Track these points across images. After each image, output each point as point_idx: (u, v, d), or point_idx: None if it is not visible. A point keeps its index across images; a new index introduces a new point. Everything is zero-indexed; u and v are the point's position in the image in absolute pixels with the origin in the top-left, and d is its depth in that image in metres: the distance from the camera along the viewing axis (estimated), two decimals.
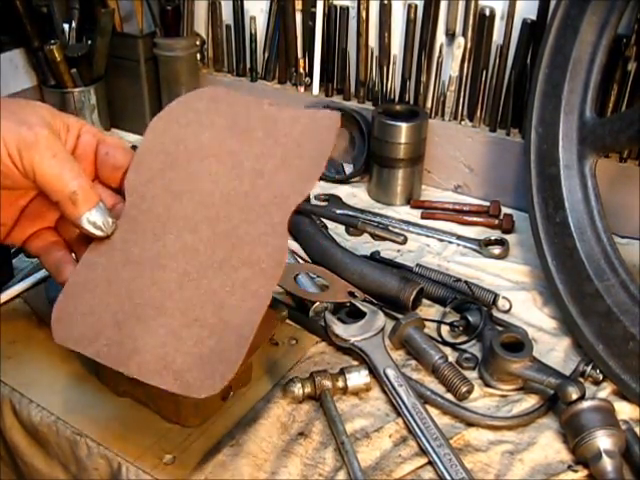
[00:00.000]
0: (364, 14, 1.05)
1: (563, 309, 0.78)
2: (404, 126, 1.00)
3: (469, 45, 1.00)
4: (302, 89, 1.16)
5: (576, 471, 0.62)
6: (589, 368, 0.72)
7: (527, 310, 0.83)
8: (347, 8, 1.07)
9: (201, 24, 1.23)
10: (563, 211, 0.80)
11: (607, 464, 0.60)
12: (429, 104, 1.07)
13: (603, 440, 0.60)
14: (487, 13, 0.97)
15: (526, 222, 0.89)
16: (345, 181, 1.12)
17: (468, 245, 0.95)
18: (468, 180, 1.07)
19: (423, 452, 0.63)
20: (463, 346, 0.76)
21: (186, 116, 0.60)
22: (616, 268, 0.74)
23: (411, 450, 0.64)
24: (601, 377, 0.72)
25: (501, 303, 0.82)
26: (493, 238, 0.95)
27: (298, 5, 1.12)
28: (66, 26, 1.13)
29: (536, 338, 0.78)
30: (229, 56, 1.23)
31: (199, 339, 0.52)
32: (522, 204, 0.99)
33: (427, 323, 0.78)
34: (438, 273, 0.86)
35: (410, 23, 1.03)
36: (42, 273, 0.82)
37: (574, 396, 0.64)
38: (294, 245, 0.91)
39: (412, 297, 0.78)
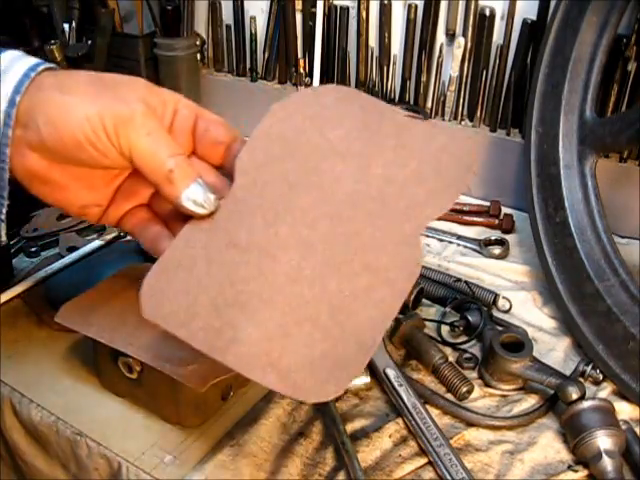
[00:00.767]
0: (364, 14, 1.05)
1: (563, 309, 0.78)
2: None
3: (469, 45, 1.00)
4: (302, 89, 1.16)
5: (576, 471, 0.62)
6: (589, 368, 0.72)
7: (527, 310, 0.83)
8: (347, 8, 1.07)
9: (201, 24, 1.22)
10: (563, 211, 0.80)
11: (607, 464, 0.60)
12: (429, 104, 1.07)
13: (603, 440, 0.60)
14: (487, 13, 0.97)
15: (526, 222, 0.89)
16: None
17: (468, 245, 0.95)
18: None
19: (423, 452, 0.63)
20: (463, 346, 0.76)
21: (312, 108, 0.57)
22: (616, 268, 0.74)
23: (411, 450, 0.64)
24: (601, 377, 0.72)
25: (501, 303, 0.82)
26: (493, 238, 0.95)
27: (298, 5, 1.12)
28: (66, 26, 1.13)
29: (536, 338, 0.78)
30: (229, 56, 1.23)
31: (310, 340, 0.49)
32: (522, 204, 0.99)
33: (427, 323, 0.78)
34: (438, 273, 0.86)
35: (410, 23, 1.03)
36: (42, 273, 0.82)
37: (574, 396, 0.64)
38: None
39: (412, 297, 0.78)
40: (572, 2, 0.81)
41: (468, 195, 1.08)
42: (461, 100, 1.04)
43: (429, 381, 0.72)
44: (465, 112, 1.05)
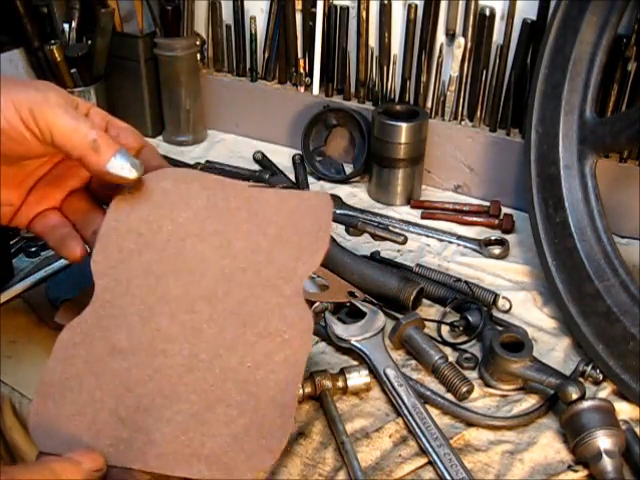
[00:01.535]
0: (364, 14, 1.05)
1: (563, 309, 0.78)
2: (404, 126, 1.00)
3: (469, 45, 1.00)
4: (302, 89, 1.16)
5: (576, 471, 0.62)
6: (589, 368, 0.72)
7: (527, 310, 0.83)
8: (347, 8, 1.07)
9: (201, 24, 1.23)
10: (563, 211, 0.80)
11: (607, 464, 0.60)
12: (429, 104, 1.07)
13: (603, 440, 0.60)
14: (487, 13, 0.97)
15: (526, 222, 0.89)
16: (345, 181, 1.12)
17: (468, 245, 0.95)
18: (468, 180, 1.07)
19: (423, 452, 0.63)
20: (463, 346, 0.76)
21: (154, 196, 0.57)
22: (616, 268, 0.74)
23: (411, 450, 0.64)
24: (601, 377, 0.72)
25: (501, 303, 0.82)
26: (493, 238, 0.95)
27: (298, 5, 1.12)
28: (66, 26, 1.13)
29: (536, 338, 0.78)
30: (229, 56, 1.23)
31: (228, 419, 0.49)
32: (522, 204, 0.99)
33: (427, 323, 0.78)
34: (438, 273, 0.86)
35: (410, 23, 1.03)
36: (42, 273, 0.82)
37: (574, 396, 0.64)
38: None
39: (412, 297, 0.78)
40: (572, 2, 0.81)
41: (468, 195, 1.08)
42: (461, 100, 1.04)
43: (429, 381, 0.72)
44: (465, 112, 1.05)
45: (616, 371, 0.70)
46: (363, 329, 0.73)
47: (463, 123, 1.05)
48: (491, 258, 0.92)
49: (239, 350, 0.52)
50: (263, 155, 1.16)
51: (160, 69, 1.19)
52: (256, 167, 1.16)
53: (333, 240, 0.89)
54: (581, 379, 0.71)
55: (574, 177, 0.81)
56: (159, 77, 1.20)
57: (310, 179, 1.12)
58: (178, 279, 0.55)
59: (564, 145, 0.82)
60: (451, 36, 1.02)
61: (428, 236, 0.98)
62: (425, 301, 0.83)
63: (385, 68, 1.08)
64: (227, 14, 1.20)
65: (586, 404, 0.62)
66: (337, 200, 1.04)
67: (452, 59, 1.02)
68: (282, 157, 1.17)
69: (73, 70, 1.12)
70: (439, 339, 0.77)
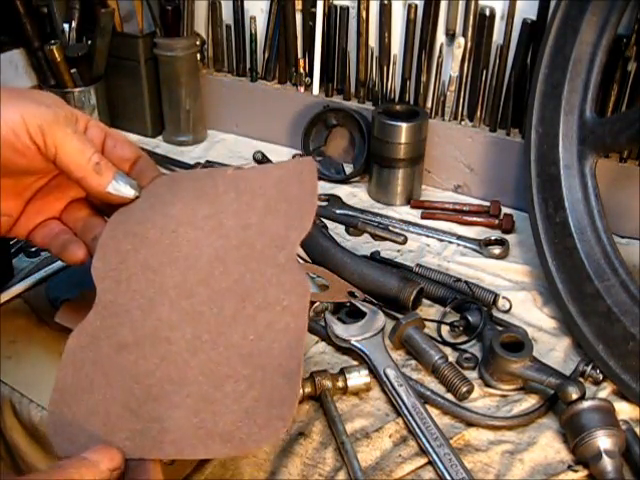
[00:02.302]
0: (364, 14, 1.05)
1: (563, 309, 0.78)
2: (404, 126, 1.00)
3: (469, 45, 1.01)
4: (302, 89, 1.16)
5: (576, 471, 0.62)
6: (589, 368, 0.72)
7: (527, 310, 0.83)
8: (347, 8, 1.07)
9: (201, 24, 1.23)
10: (563, 211, 0.80)
11: (607, 464, 0.60)
12: (429, 104, 1.07)
13: (603, 440, 0.60)
14: (487, 13, 0.97)
15: (526, 222, 0.89)
16: (345, 181, 1.12)
17: (468, 245, 0.95)
18: (468, 180, 1.07)
19: (423, 452, 0.63)
20: (463, 346, 0.76)
21: (148, 201, 0.59)
22: (616, 268, 0.74)
23: (411, 450, 0.64)
24: (601, 377, 0.72)
25: (501, 303, 0.82)
26: (493, 238, 0.95)
27: (298, 5, 1.12)
28: (66, 26, 1.13)
29: (536, 338, 0.78)
30: (229, 56, 1.23)
31: (238, 394, 0.49)
32: (522, 204, 0.99)
33: (427, 323, 0.78)
34: (438, 273, 0.86)
35: (410, 23, 1.03)
36: (42, 273, 0.82)
37: (574, 396, 0.64)
38: None
39: (412, 297, 0.78)
40: (572, 2, 0.81)
41: (468, 195, 1.08)
42: (461, 100, 1.04)
43: (429, 381, 0.72)
44: (465, 112, 1.05)
45: (616, 371, 0.70)
46: (363, 329, 0.73)
47: (463, 123, 1.05)
48: (491, 258, 0.92)
49: (241, 325, 0.52)
50: (263, 155, 1.16)
51: (160, 69, 1.19)
52: None
53: (333, 240, 0.89)
54: (581, 379, 0.71)
55: (574, 177, 0.81)
56: (159, 77, 1.20)
57: None
58: (175, 268, 0.56)
59: (564, 145, 0.82)
60: (451, 36, 1.02)
61: (428, 236, 0.98)
62: (425, 301, 0.83)
63: (385, 68, 1.08)
64: (227, 14, 1.20)
65: (586, 404, 0.62)
66: (337, 200, 1.04)
67: (452, 59, 1.02)
68: (282, 157, 1.17)
69: (73, 70, 1.12)
70: (439, 339, 0.77)
